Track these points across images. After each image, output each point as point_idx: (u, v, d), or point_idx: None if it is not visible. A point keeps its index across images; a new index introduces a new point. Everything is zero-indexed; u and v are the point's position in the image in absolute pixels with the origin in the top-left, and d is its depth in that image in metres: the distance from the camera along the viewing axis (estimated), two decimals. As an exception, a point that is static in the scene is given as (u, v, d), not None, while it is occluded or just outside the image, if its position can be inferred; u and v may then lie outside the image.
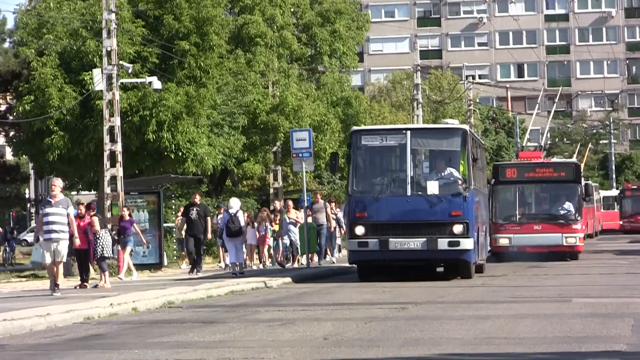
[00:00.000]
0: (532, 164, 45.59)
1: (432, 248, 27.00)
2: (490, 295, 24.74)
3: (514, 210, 39.46)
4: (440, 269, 28.21)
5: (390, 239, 27.06)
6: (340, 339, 14.96)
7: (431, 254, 27.35)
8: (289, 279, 29.46)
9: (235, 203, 33.04)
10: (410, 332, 15.97)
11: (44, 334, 16.28)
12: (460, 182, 27.46)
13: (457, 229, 27.09)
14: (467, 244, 27.29)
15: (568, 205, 39.33)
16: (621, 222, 78.33)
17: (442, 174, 27.99)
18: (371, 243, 27.30)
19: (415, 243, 27.08)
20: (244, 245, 33.54)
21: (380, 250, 27.38)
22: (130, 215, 31.26)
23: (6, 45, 45.39)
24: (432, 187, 27.33)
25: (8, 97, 45.11)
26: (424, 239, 27.00)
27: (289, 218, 37.61)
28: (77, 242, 26.00)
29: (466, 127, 31.27)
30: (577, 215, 39.33)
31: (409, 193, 27.28)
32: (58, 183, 24.04)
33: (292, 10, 56.43)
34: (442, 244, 27.02)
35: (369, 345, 14.02)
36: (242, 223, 32.27)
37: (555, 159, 50.00)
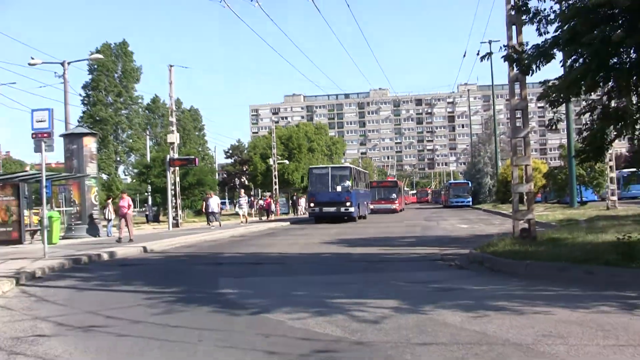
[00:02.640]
0: (382, 180, 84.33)
1: (338, 211, 43.61)
2: (383, 219, 45.80)
3: (376, 196, 63.89)
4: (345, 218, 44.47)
5: (323, 208, 43.92)
6: (342, 235, 29.07)
7: (338, 213, 43.61)
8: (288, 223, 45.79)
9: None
10: (359, 231, 32.02)
11: (228, 239, 30.49)
12: (349, 187, 43.95)
13: (347, 204, 43.68)
14: (351, 209, 43.83)
15: (393, 195, 66.21)
16: (416, 200, 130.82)
17: (342, 184, 44.13)
18: (316, 209, 44.32)
19: (332, 209, 43.70)
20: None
21: (319, 212, 44.09)
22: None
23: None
24: (338, 188, 43.95)
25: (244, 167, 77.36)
26: (335, 208, 43.68)
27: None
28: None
29: (352, 165, 52.30)
30: (396, 197, 66.07)
31: (330, 191, 43.97)
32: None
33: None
34: (342, 209, 43.67)
35: (346, 234, 29.31)
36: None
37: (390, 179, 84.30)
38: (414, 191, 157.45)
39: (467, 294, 10.82)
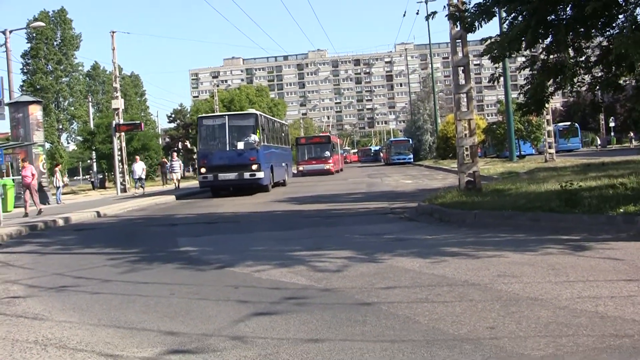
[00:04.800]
0: (311, 136, 73.34)
1: (241, 178, 31.94)
2: (324, 179, 43.28)
3: (305, 155, 59.36)
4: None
5: (219, 174, 31.98)
6: (276, 198, 29.43)
7: (241, 181, 32.14)
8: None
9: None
10: (306, 189, 32.26)
11: (178, 202, 30.99)
12: (255, 143, 32.07)
13: (254, 167, 31.84)
14: (259, 175, 32.04)
15: (326, 153, 59.15)
16: (358, 158, 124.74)
17: (245, 139, 32.30)
18: (209, 176, 32.30)
19: (231, 175, 31.87)
20: None
21: (214, 180, 32.28)
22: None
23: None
24: (240, 145, 32.13)
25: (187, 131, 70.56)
26: (236, 173, 31.87)
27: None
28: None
29: (258, 112, 35.45)
30: (330, 157, 59.06)
31: (227, 149, 32.23)
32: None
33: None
34: (246, 175, 31.91)
35: (293, 193, 29.70)
36: None
37: (322, 134, 74.01)
38: (355, 150, 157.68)
39: (421, 242, 11.19)
